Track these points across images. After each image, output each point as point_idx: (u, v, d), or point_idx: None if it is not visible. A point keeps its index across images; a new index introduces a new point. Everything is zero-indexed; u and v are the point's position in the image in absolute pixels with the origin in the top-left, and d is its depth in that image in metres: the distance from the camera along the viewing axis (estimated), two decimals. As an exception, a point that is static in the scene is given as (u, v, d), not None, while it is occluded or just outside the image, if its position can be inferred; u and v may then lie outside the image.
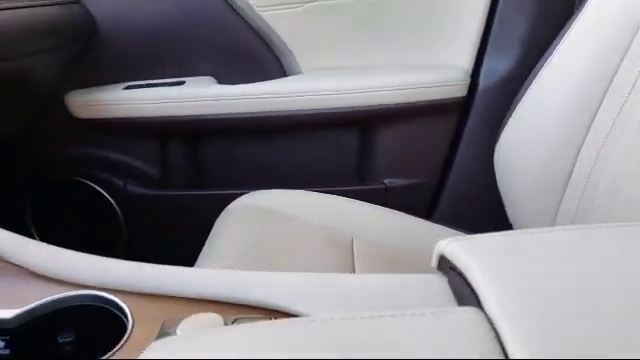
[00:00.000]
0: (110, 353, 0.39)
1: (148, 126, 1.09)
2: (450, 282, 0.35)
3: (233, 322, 0.38)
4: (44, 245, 0.46)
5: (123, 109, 1.07)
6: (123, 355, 0.38)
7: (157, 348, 0.29)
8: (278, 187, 0.92)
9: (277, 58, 1.10)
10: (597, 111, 0.65)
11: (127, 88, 1.08)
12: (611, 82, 0.64)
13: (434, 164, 1.14)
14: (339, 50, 1.10)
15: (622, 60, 0.63)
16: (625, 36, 0.63)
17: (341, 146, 1.15)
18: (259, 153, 1.16)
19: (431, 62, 1.09)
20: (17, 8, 0.91)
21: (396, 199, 1.08)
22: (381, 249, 0.77)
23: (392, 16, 1.07)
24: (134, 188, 1.16)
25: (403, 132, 1.11)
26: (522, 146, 0.75)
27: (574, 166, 0.67)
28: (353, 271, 0.71)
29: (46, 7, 0.98)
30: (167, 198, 1.16)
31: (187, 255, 0.76)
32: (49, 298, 0.43)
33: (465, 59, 1.07)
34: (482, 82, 1.08)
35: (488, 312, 0.27)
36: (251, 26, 1.06)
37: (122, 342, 0.40)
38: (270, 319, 0.38)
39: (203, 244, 0.80)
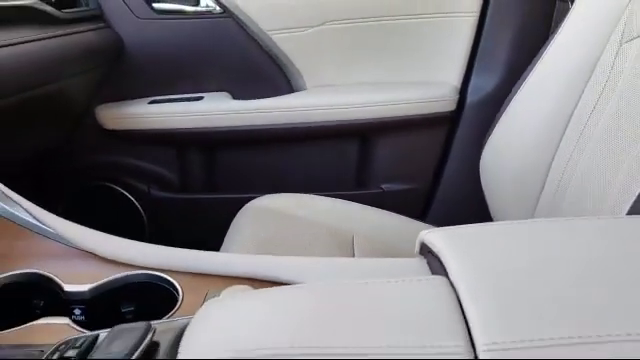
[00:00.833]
0: (165, 317, 0.50)
1: (170, 137, 1.18)
2: (428, 263, 0.39)
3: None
4: (110, 236, 0.58)
5: (148, 121, 1.16)
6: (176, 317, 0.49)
7: (208, 305, 0.38)
8: (286, 192, 1.00)
9: (285, 76, 1.17)
10: (568, 122, 0.72)
11: (151, 102, 1.17)
12: (580, 97, 0.71)
13: (426, 171, 1.22)
14: (341, 69, 1.17)
15: (589, 78, 0.70)
16: (593, 54, 0.70)
17: (342, 155, 1.23)
18: (269, 161, 1.23)
19: (424, 79, 1.17)
20: (56, 37, 0.97)
21: (392, 202, 1.11)
22: (378, 246, 0.86)
23: (388, 39, 1.15)
24: (157, 192, 1.24)
25: (398, 143, 1.19)
26: (504, 154, 0.82)
27: (549, 171, 0.74)
28: (352, 264, 0.81)
29: (81, 34, 1.04)
30: (186, 201, 1.25)
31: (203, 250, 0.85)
32: (115, 276, 0.54)
33: (454, 77, 1.16)
34: (469, 98, 1.16)
35: (451, 278, 0.32)
36: (263, 48, 1.14)
37: (175, 309, 0.52)
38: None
39: (217, 241, 0.88)
